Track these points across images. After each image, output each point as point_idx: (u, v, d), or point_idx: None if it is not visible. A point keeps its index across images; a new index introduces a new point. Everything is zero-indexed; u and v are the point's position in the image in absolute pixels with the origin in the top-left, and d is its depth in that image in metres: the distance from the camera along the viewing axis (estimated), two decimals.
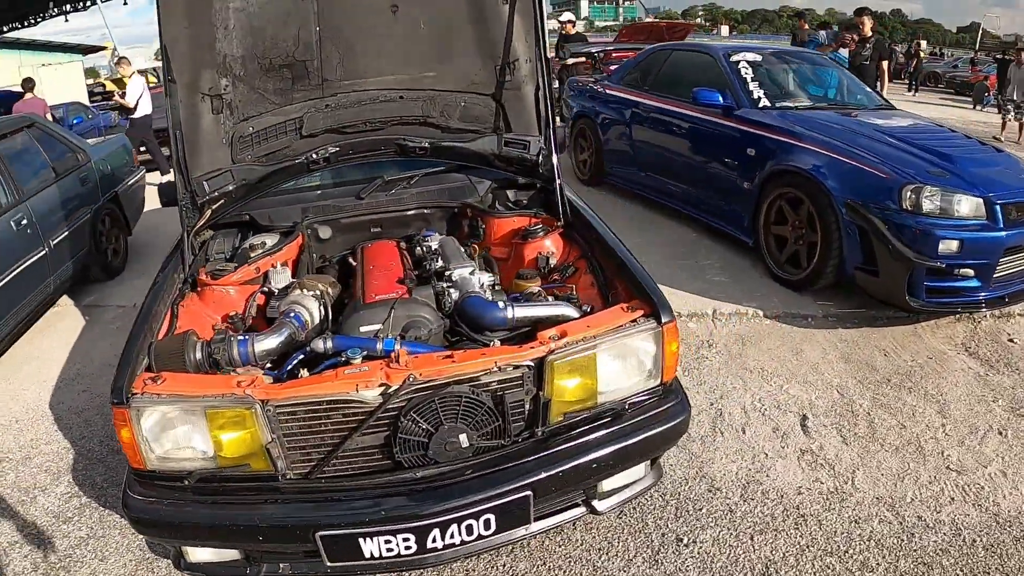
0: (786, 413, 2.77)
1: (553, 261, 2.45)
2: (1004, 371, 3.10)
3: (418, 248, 2.45)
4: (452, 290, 2.09)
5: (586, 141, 6.17)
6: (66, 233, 4.25)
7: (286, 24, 2.27)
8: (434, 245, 2.42)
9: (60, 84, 16.56)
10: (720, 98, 4.37)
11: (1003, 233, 3.20)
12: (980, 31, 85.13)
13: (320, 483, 1.67)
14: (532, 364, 1.70)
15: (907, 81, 20.56)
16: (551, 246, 2.48)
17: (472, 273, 2.18)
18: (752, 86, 4.40)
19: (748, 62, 4.60)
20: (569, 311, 1.96)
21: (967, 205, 3.22)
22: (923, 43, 25.20)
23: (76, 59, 24.48)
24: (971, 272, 3.25)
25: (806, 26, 9.08)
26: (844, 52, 7.03)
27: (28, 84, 6.61)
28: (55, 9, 23.96)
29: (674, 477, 2.41)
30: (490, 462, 1.71)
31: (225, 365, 1.82)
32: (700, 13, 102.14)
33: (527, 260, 2.47)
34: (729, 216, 4.38)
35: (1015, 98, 9.15)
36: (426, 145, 2.55)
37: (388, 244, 2.51)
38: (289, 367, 1.80)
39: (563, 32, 11.07)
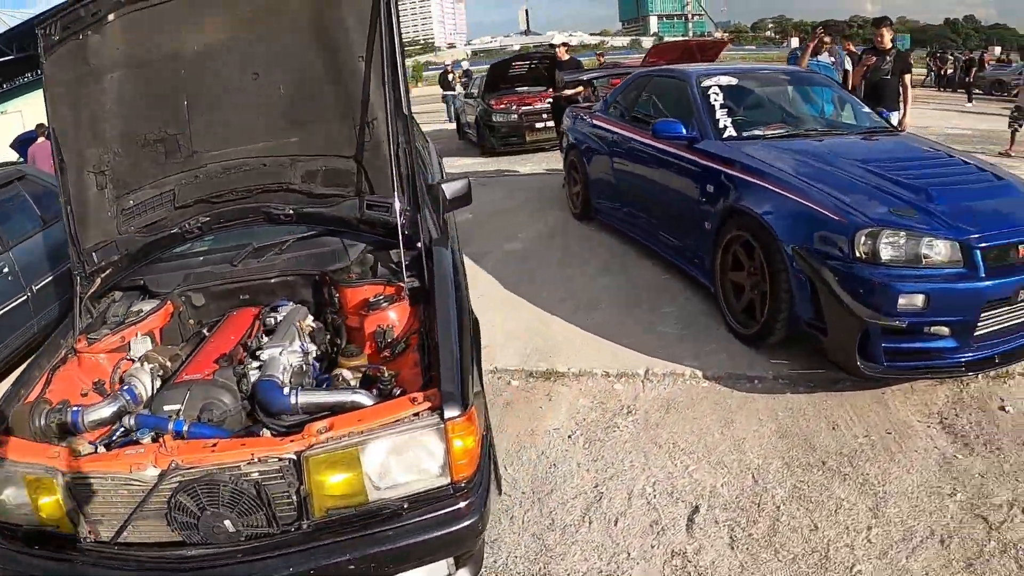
0: (677, 503, 2.37)
1: (394, 334, 2.27)
2: (979, 452, 2.54)
3: (267, 319, 2.38)
4: (253, 372, 2.02)
5: (577, 174, 5.89)
6: (50, 278, 4.44)
7: (158, 100, 2.37)
8: (280, 316, 2.35)
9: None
10: (683, 129, 3.99)
11: (984, 283, 2.65)
12: None
13: (114, 550, 1.76)
14: (293, 457, 1.69)
15: (965, 91, 18.86)
16: (394, 318, 2.31)
17: (283, 352, 2.09)
18: (720, 114, 3.99)
19: (721, 87, 4.18)
20: (360, 399, 1.89)
21: (939, 250, 2.70)
22: (997, 49, 23.15)
23: None
24: (946, 330, 2.72)
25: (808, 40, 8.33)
26: (826, 59, 6.19)
27: (41, 129, 7.12)
28: None
29: (512, 572, 2.09)
30: (260, 548, 1.72)
31: (73, 433, 1.95)
32: (770, 26, 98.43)
33: (367, 332, 2.32)
34: (692, 258, 3.97)
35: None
36: (290, 212, 2.49)
37: (246, 314, 2.46)
38: (112, 439, 1.92)
39: (556, 59, 10.79)
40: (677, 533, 2.23)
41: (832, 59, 6.14)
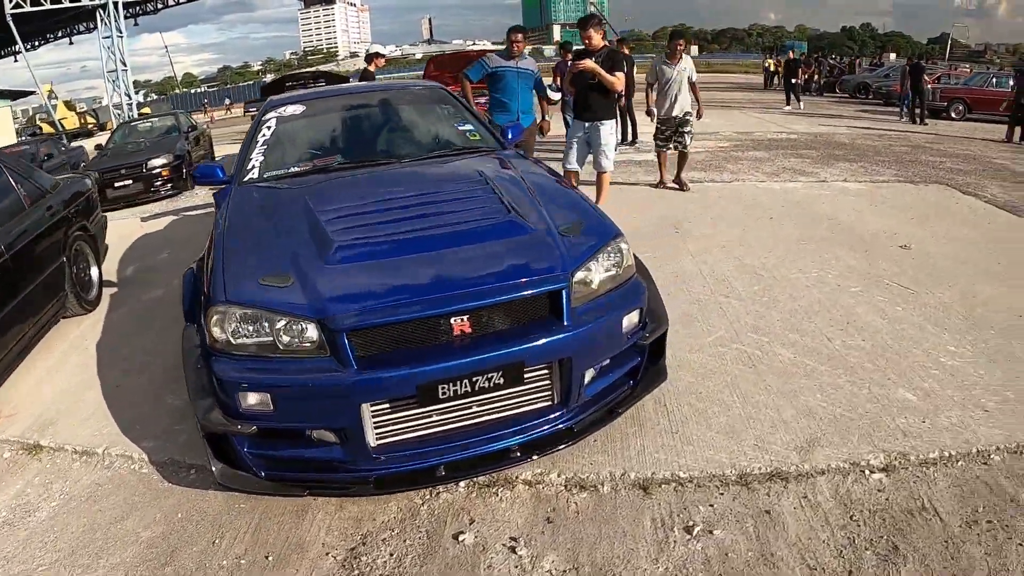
0: None
1: None
2: None
3: None
4: None
5: None
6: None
7: None
8: None
9: None
10: (220, 173, 3.46)
11: (356, 377, 2.05)
12: (949, 41, 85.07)
13: None
14: None
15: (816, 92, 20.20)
16: None
17: None
18: (256, 151, 3.45)
19: (280, 117, 3.67)
20: None
21: (302, 333, 2.14)
22: (892, 56, 24.94)
23: (3, 104, 24.41)
24: (331, 436, 2.19)
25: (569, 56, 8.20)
26: (529, 64, 5.45)
27: None
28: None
29: None
30: None
31: None
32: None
33: None
34: None
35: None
36: None
37: None
38: None
39: (365, 73, 10.20)
40: None
41: (534, 67, 5.50)
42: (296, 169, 3.37)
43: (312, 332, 2.12)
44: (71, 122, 32.68)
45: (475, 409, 2.20)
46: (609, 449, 2.44)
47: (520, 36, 5.33)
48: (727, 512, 2.12)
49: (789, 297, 3.79)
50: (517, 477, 2.33)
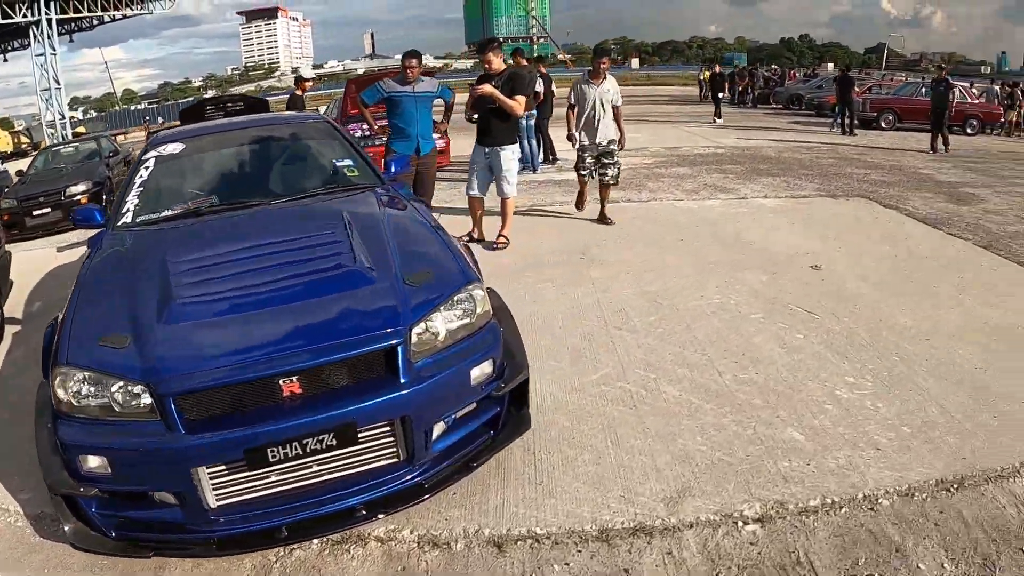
0: None
1: None
2: None
3: None
4: None
5: None
6: None
7: None
8: None
9: None
10: (99, 215, 3.35)
11: (181, 443, 2.01)
12: (886, 51, 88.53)
13: None
14: None
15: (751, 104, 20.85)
16: None
17: None
18: (132, 194, 3.31)
19: (159, 157, 3.51)
20: None
21: (135, 398, 2.07)
22: (830, 66, 25.64)
23: None
24: (171, 499, 2.13)
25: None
26: (427, 86, 5.32)
27: None
28: None
29: None
30: None
31: None
32: (612, 47, 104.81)
33: None
34: None
35: None
36: None
37: None
38: None
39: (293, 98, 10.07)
40: None
41: (433, 87, 5.40)
42: (168, 213, 3.23)
43: (144, 396, 2.06)
44: (4, 142, 31.30)
45: (315, 469, 2.15)
46: (467, 503, 2.36)
47: (414, 61, 5.19)
48: (583, 571, 2.05)
49: (686, 328, 3.76)
50: (370, 534, 2.24)
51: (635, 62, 79.21)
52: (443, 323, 2.28)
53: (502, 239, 5.35)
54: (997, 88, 19.05)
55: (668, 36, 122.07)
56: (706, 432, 2.73)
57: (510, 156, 5.18)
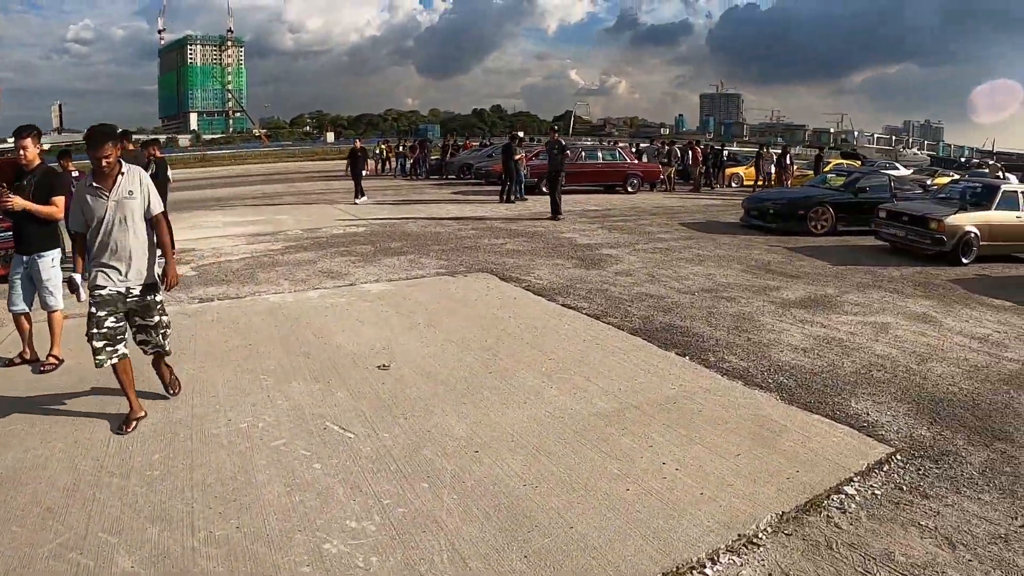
0: None
1: None
2: None
3: None
4: None
5: None
6: None
7: None
8: None
9: None
10: None
11: None
12: (572, 118, 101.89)
13: None
14: None
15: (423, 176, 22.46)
16: None
17: None
18: None
19: None
20: None
21: None
22: (520, 133, 27.30)
23: None
24: None
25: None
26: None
27: None
28: None
29: None
30: None
31: None
32: (308, 121, 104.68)
33: None
34: None
35: None
36: None
37: None
38: None
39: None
40: None
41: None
42: None
43: None
44: None
45: None
46: None
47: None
48: None
49: (189, 467, 3.03)
50: None
51: (330, 136, 79.33)
52: None
53: (52, 359, 4.50)
54: (657, 147, 22.36)
55: (365, 109, 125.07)
56: None
57: (49, 263, 4.53)
